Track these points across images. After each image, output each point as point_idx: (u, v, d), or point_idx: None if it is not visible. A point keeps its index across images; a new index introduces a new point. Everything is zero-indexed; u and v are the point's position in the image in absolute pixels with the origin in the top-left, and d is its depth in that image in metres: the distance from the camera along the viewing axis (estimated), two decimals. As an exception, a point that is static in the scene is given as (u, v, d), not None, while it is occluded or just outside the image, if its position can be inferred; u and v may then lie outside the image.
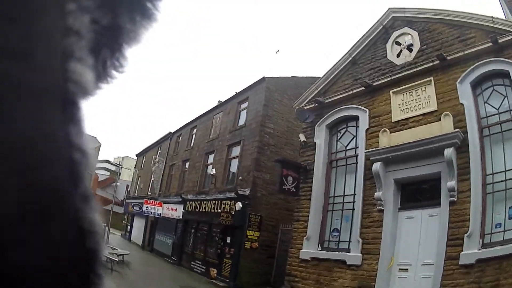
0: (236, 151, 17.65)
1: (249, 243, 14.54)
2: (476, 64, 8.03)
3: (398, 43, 10.07)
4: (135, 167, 39.33)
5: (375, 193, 9.04)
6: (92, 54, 0.45)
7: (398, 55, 9.96)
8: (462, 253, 7.05)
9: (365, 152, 9.55)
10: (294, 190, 11.69)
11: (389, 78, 9.64)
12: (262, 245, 14.87)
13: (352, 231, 9.59)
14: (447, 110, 8.22)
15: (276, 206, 15.78)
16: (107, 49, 0.52)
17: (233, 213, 14.73)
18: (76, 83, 0.41)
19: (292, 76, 18.31)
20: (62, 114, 0.38)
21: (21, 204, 0.32)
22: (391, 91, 9.56)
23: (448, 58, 8.44)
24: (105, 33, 0.49)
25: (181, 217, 20.87)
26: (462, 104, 8.06)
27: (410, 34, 9.75)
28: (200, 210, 18.26)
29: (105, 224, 26.06)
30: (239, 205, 14.32)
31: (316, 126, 11.61)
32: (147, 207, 24.22)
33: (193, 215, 19.13)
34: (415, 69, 9.11)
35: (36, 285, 0.33)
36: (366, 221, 9.15)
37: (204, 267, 16.99)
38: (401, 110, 9.28)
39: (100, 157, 76.28)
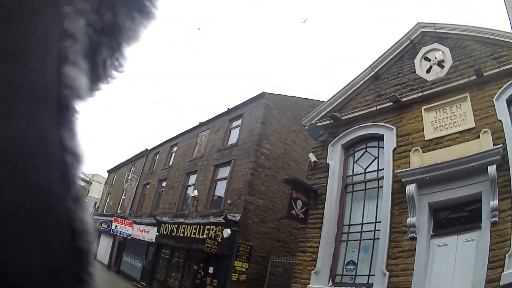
0: (224, 172, 15.68)
1: (237, 275, 12.45)
2: (511, 81, 7.60)
3: (428, 59, 9.34)
4: (105, 184, 36.50)
5: (408, 219, 7.85)
6: (89, 56, 0.45)
7: (428, 71, 9.21)
8: (503, 273, 6.29)
9: (397, 173, 8.30)
10: (303, 216, 9.91)
11: (421, 94, 8.80)
12: (250, 278, 12.80)
13: (373, 263, 8.28)
14: (485, 127, 7.55)
15: (267, 235, 13.86)
16: (107, 48, 0.51)
17: (219, 240, 12.55)
18: (70, 87, 0.40)
19: (292, 96, 16.85)
20: (56, 118, 0.38)
21: (13, 205, 0.32)
22: (422, 108, 8.72)
23: (485, 74, 7.89)
24: (105, 32, 0.48)
25: (153, 240, 18.42)
26: (500, 121, 7.44)
27: (440, 50, 9.08)
28: (178, 234, 15.96)
29: None
30: (227, 231, 12.26)
31: (329, 145, 10.29)
32: (116, 225, 21.97)
33: (169, 239, 16.77)
34: (449, 85, 8.40)
35: (29, 284, 0.33)
36: (393, 251, 7.91)
37: (180, 298, 14.54)
38: (434, 128, 8.43)
39: None
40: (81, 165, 0.41)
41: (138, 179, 26.02)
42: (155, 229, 18.57)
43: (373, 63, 10.23)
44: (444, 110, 8.38)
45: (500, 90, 7.67)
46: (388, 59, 10.06)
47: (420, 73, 9.32)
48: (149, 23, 0.53)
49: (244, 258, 12.72)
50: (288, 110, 16.09)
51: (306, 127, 11.11)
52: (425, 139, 8.41)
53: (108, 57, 0.52)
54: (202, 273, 13.66)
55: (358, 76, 10.44)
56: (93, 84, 0.50)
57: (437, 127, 8.37)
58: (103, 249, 28.16)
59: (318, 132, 10.45)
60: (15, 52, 0.35)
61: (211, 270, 13.20)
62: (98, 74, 0.51)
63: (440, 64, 8.95)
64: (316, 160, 10.40)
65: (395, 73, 9.85)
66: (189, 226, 15.19)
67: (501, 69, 7.76)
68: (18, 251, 0.32)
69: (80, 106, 0.43)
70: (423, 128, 8.57)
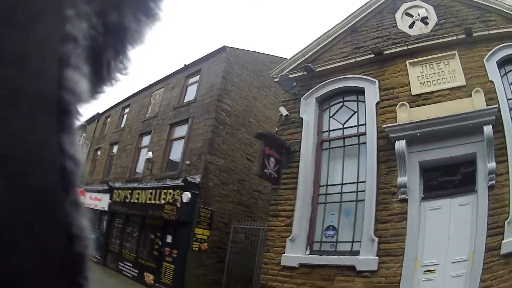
0: (181, 130, 13.81)
1: (198, 244, 10.90)
2: (502, 45, 7.35)
3: (410, 15, 8.91)
4: None
5: (398, 179, 7.08)
6: (93, 58, 0.44)
7: (410, 26, 8.76)
8: (503, 241, 5.92)
9: (384, 128, 7.44)
10: (276, 176, 8.54)
11: (405, 48, 8.23)
12: (212, 247, 11.36)
13: (357, 228, 7.47)
14: (476, 86, 7.16)
15: (228, 199, 12.40)
16: (112, 50, 0.50)
17: (178, 205, 10.88)
18: (71, 91, 0.40)
19: (254, 51, 15.22)
20: (56, 122, 0.38)
21: (11, 209, 0.32)
22: (407, 62, 8.14)
23: (474, 34, 7.60)
24: (110, 34, 0.48)
25: (106, 209, 16.42)
26: (492, 82, 7.13)
27: (424, 8, 8.70)
28: (131, 200, 14.09)
29: None
30: (187, 195, 10.62)
31: (302, 99, 9.31)
32: None
33: (122, 206, 14.86)
34: (436, 41, 7.97)
35: (26, 287, 0.33)
36: (382, 215, 7.10)
37: (136, 271, 12.93)
38: (421, 83, 7.87)
39: None
40: (80, 170, 0.40)
41: (89, 145, 23.50)
42: (108, 196, 16.51)
43: (349, 15, 9.53)
44: (431, 66, 7.88)
45: (490, 52, 7.36)
46: (366, 13, 9.41)
47: (402, 28, 8.79)
48: (154, 24, 0.53)
49: (205, 224, 11.18)
50: (249, 65, 14.54)
51: (275, 79, 10.03)
52: (412, 94, 7.81)
53: (113, 59, 0.50)
54: (160, 243, 12.00)
55: (333, 28, 9.64)
56: (97, 86, 0.49)
57: (424, 82, 7.83)
58: None
59: (291, 84, 9.40)
60: (15, 56, 0.34)
61: (169, 239, 11.57)
62: (102, 76, 0.50)
63: (424, 20, 8.55)
64: (288, 114, 9.27)
65: (375, 26, 9.22)
66: (143, 191, 13.36)
67: (490, 32, 7.51)
68: (15, 255, 0.32)
69: (81, 111, 0.42)
70: (409, 83, 7.96)
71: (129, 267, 13.51)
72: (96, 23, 0.43)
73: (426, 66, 7.97)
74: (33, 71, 0.35)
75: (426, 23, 8.55)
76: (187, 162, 11.98)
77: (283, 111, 9.32)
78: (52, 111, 0.37)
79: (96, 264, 15.32)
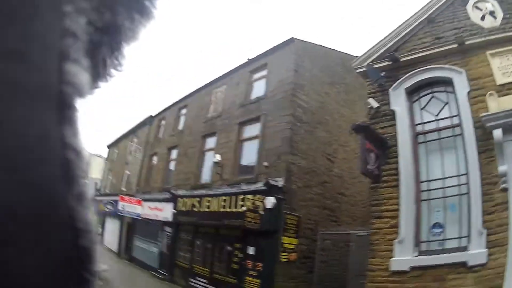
0: (253, 130, 13.63)
1: (286, 254, 10.54)
2: None
3: (479, 8, 9.04)
4: (106, 160, 34.86)
5: (499, 168, 7.22)
6: (89, 54, 0.47)
7: (482, 19, 8.90)
8: None
9: (482, 118, 7.62)
10: (377, 173, 8.38)
11: (484, 38, 8.40)
12: (300, 257, 11.07)
13: (462, 222, 7.59)
14: None
15: (312, 203, 12.04)
16: (107, 47, 0.54)
17: (261, 212, 10.59)
18: (71, 84, 0.42)
19: (321, 45, 14.87)
20: (57, 115, 0.40)
21: (14, 203, 0.33)
22: (487, 52, 8.30)
23: None
24: (105, 31, 0.51)
25: (170, 219, 16.59)
26: None
27: (489, 2, 8.87)
28: (200, 209, 14.09)
29: None
30: (271, 201, 10.33)
31: (390, 90, 9.37)
32: (123, 205, 20.45)
33: (189, 216, 14.94)
34: (509, 34, 8.10)
35: (30, 284, 0.34)
36: (488, 206, 7.26)
37: (211, 287, 12.79)
38: (502, 73, 8.08)
39: None
40: (84, 162, 0.42)
41: (143, 150, 24.25)
42: (171, 205, 16.76)
43: (424, 6, 9.73)
44: (507, 58, 8.04)
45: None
46: (440, 4, 9.58)
47: (475, 20, 8.98)
48: (149, 22, 0.56)
49: (292, 232, 10.91)
50: (318, 60, 14.22)
51: (358, 70, 10.22)
52: (497, 84, 7.94)
53: (108, 55, 0.54)
54: (242, 255, 11.81)
55: (410, 18, 9.86)
56: (93, 82, 0.52)
57: (505, 72, 8.02)
58: (110, 233, 27.02)
59: (378, 74, 9.42)
60: (15, 50, 0.36)
61: (251, 251, 11.34)
62: (98, 72, 0.54)
63: (492, 14, 8.71)
64: (379, 105, 9.28)
65: (450, 17, 9.40)
66: (215, 199, 13.28)
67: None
68: (18, 250, 0.33)
69: (81, 103, 0.44)
70: (492, 73, 8.11)
71: (203, 283, 13.51)
72: (94, 19, 0.46)
73: (503, 57, 8.15)
74: (34, 65, 0.37)
75: (494, 17, 8.75)
76: (265, 163, 11.70)
77: (373, 103, 9.28)
78: (52, 104, 0.38)
79: (162, 280, 15.61)
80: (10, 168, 0.33)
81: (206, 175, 15.68)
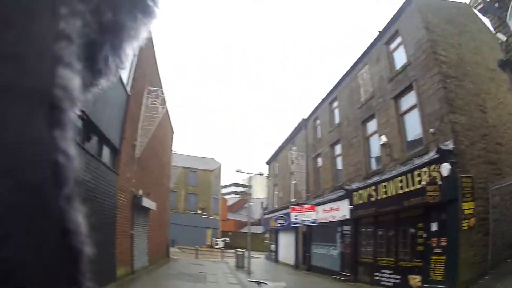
0: (409, 100, 15.10)
1: (466, 221, 11.53)
2: None
3: None
4: (268, 176, 38.68)
5: None
6: (89, 53, 0.55)
7: None
8: None
9: None
10: None
11: None
12: (477, 220, 11.86)
13: None
14: None
15: (479, 160, 12.82)
16: (109, 45, 0.61)
17: (439, 183, 11.73)
18: (63, 88, 0.48)
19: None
20: (49, 118, 0.46)
21: (5, 204, 0.38)
22: None
23: None
24: (106, 30, 0.58)
25: (347, 216, 18.58)
26: None
27: None
28: (378, 197, 15.67)
29: (244, 249, 26.56)
30: (446, 167, 11.44)
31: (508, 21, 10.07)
32: (296, 216, 23.21)
33: (368, 207, 16.78)
34: None
35: (21, 281, 0.39)
36: None
37: (397, 277, 14.44)
38: None
39: (227, 182, 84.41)
40: (74, 165, 0.48)
41: (304, 155, 26.91)
42: (346, 202, 18.79)
43: None
44: None
45: None
46: None
47: None
48: (151, 22, 0.64)
49: (469, 196, 11.76)
50: (441, 12, 15.43)
51: (477, 8, 11.28)
52: None
53: (110, 54, 0.61)
54: (424, 234, 13.11)
55: None
56: (94, 79, 0.60)
57: None
58: (285, 248, 30.25)
59: (493, 6, 10.26)
60: (9, 53, 0.41)
61: (434, 227, 12.59)
62: (99, 70, 0.61)
63: None
64: (506, 38, 10.07)
65: None
66: (391, 182, 14.78)
67: None
68: (9, 250, 0.37)
69: (74, 107, 0.50)
70: None
71: (388, 275, 15.06)
72: (92, 21, 0.54)
73: None
74: (27, 68, 0.43)
75: None
76: (431, 130, 12.80)
77: (502, 37, 9.96)
78: (45, 107, 0.45)
79: (345, 282, 17.64)
80: (2, 170, 0.38)
81: (375, 161, 17.36)
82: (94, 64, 0.60)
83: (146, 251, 19.50)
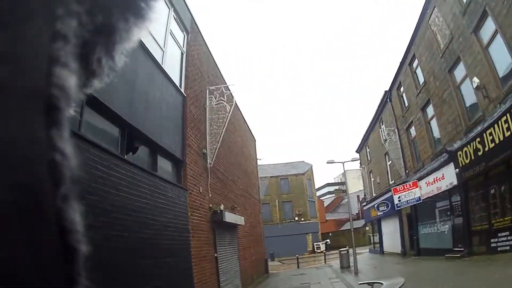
0: (488, 28, 13.57)
1: None
2: None
3: None
4: (360, 166, 38.15)
5: None
6: (83, 54, 0.55)
7: None
8: None
9: None
10: None
11: None
12: None
13: None
14: None
15: None
16: (102, 47, 0.65)
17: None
18: (60, 88, 0.51)
19: None
20: (45, 118, 0.48)
21: (2, 203, 0.42)
22: None
23: None
24: (99, 32, 0.61)
25: (455, 182, 17.22)
26: None
27: None
28: (485, 149, 14.09)
29: (346, 247, 26.19)
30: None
31: None
32: (399, 197, 22.82)
33: (475, 165, 15.23)
34: None
35: (19, 280, 0.43)
36: None
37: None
38: None
39: (319, 183, 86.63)
40: (71, 164, 0.48)
41: (395, 130, 26.00)
42: (451, 166, 17.43)
43: None
44: None
45: None
46: None
47: None
48: (143, 24, 0.66)
49: None
50: None
51: None
52: None
53: (103, 55, 0.64)
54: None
55: None
56: (87, 80, 0.62)
57: None
58: (389, 237, 29.57)
59: None
60: (5, 53, 0.42)
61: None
62: (92, 71, 0.63)
63: None
64: None
65: None
66: (495, 126, 13.14)
67: None
68: (7, 247, 0.40)
69: (71, 107, 0.51)
70: None
71: (505, 238, 13.55)
72: (86, 21, 0.54)
73: None
74: (23, 68, 0.43)
75: None
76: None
77: None
78: (41, 107, 0.45)
79: (459, 258, 16.13)
80: (1, 169, 0.40)
81: (473, 109, 15.89)
82: (88, 65, 0.58)
83: (238, 273, 18.69)
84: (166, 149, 10.97)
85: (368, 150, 35.34)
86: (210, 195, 14.71)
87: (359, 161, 36.73)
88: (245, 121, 26.19)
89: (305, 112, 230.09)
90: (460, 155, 16.38)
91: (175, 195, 10.99)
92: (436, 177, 19.20)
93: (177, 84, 12.68)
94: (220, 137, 15.40)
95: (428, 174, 20.32)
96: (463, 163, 16.15)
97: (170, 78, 11.62)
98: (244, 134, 25.45)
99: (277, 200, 53.44)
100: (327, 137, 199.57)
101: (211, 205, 14.67)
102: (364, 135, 35.73)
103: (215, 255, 14.60)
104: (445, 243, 18.87)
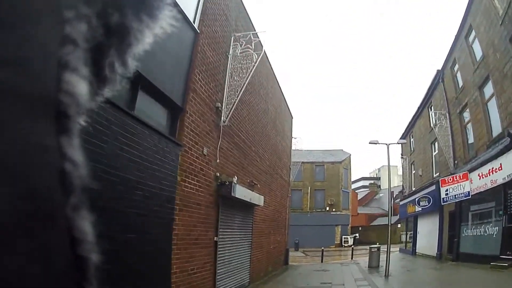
0: None
1: None
2: None
3: None
4: (401, 156, 36.35)
5: None
6: (95, 58, 0.54)
7: None
8: None
9: None
10: None
11: None
12: None
13: None
14: None
15: None
16: (115, 49, 0.61)
17: None
18: (70, 94, 0.49)
19: None
20: (55, 125, 0.46)
21: (12, 212, 0.40)
22: None
23: None
24: (112, 33, 0.58)
25: None
26: None
27: None
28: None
29: (376, 244, 25.37)
30: None
31: None
32: (446, 190, 20.86)
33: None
34: None
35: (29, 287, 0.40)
36: None
37: None
38: None
39: (355, 177, 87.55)
40: (81, 172, 0.48)
41: (447, 114, 23.72)
42: (511, 155, 14.79)
43: None
44: None
45: None
46: None
47: None
48: (156, 24, 0.64)
49: None
50: None
51: None
52: None
53: (116, 58, 0.60)
54: None
55: None
56: (100, 85, 0.59)
57: None
58: (424, 237, 27.61)
59: None
60: (14, 58, 0.41)
61: None
62: (105, 75, 0.59)
63: None
64: None
65: None
66: None
67: None
68: (18, 258, 0.39)
69: (81, 113, 0.51)
70: None
71: None
72: (97, 24, 0.52)
73: None
74: (32, 73, 0.42)
75: None
76: None
77: None
78: (51, 113, 0.44)
79: (507, 269, 13.82)
80: (8, 177, 0.38)
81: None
82: (100, 70, 0.57)
83: (247, 264, 16.10)
84: (156, 85, 8.51)
85: (412, 139, 33.09)
86: (218, 160, 12.12)
87: (401, 148, 34.88)
88: (280, 89, 23.75)
89: (346, 104, 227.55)
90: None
91: (161, 150, 8.59)
92: (492, 168, 16.54)
93: (189, 16, 10.33)
94: (241, 90, 12.79)
95: (482, 164, 17.70)
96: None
97: (177, 3, 8.59)
98: (278, 105, 23.19)
99: (309, 188, 51.75)
100: (368, 128, 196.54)
101: (218, 174, 12.10)
102: (410, 122, 33.31)
103: (215, 239, 12.05)
104: (491, 249, 16.26)
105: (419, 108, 30.28)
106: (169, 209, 9.05)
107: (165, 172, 8.86)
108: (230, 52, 13.36)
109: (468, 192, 18.90)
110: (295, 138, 29.78)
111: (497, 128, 16.97)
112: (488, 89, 17.98)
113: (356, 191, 72.13)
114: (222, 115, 12.40)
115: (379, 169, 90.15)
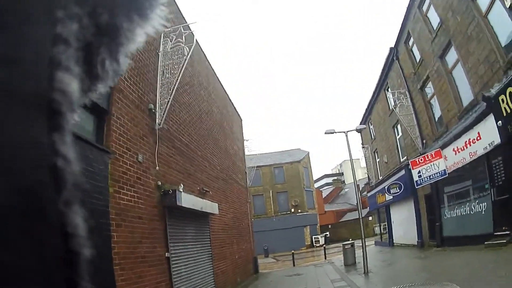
0: None
1: None
2: None
3: None
4: (362, 145, 35.58)
5: None
6: (86, 57, 0.57)
7: None
8: None
9: None
10: None
11: None
12: None
13: None
14: None
15: None
16: (106, 49, 0.62)
17: None
18: (62, 92, 0.50)
19: None
20: (47, 122, 0.48)
21: (4, 208, 0.41)
22: None
23: None
24: (103, 33, 0.60)
25: (497, 141, 13.33)
26: None
27: None
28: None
29: (349, 240, 24.82)
30: None
31: None
32: (419, 171, 19.83)
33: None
34: None
35: (21, 284, 0.42)
36: None
37: None
38: None
39: (317, 175, 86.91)
40: (74, 169, 0.50)
41: (406, 92, 22.82)
42: (490, 119, 13.60)
43: None
44: None
45: None
46: None
47: None
48: (148, 24, 0.64)
49: None
50: None
51: None
52: None
53: (107, 57, 0.62)
54: None
55: None
56: (91, 84, 0.61)
57: None
58: (400, 226, 26.79)
59: None
60: (6, 57, 0.43)
61: None
62: (96, 74, 0.61)
63: None
64: None
65: None
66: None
67: None
68: (9, 252, 0.40)
69: (73, 111, 0.53)
70: None
71: None
72: (88, 23, 0.53)
73: None
74: (25, 72, 0.44)
75: None
76: None
77: None
78: (43, 112, 0.46)
79: (507, 245, 12.52)
80: (1, 173, 0.39)
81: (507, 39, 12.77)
82: (91, 68, 0.59)
83: (211, 277, 15.11)
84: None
85: (371, 126, 32.28)
86: (158, 168, 10.98)
87: (360, 137, 34.48)
88: (224, 90, 22.94)
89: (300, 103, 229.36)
90: (503, 100, 12.47)
91: (85, 158, 7.27)
92: (469, 139, 15.42)
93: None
94: (174, 87, 11.61)
95: (455, 138, 16.60)
96: (508, 111, 12.28)
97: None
98: (223, 107, 22.25)
99: (271, 191, 51.09)
100: (324, 124, 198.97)
101: (159, 183, 10.94)
102: (366, 109, 32.46)
103: (166, 254, 10.89)
104: (482, 227, 14.94)
105: (374, 91, 29.43)
106: (104, 225, 7.80)
107: (94, 184, 7.51)
108: (161, 49, 12.24)
109: (444, 170, 17.83)
110: (247, 141, 28.98)
111: (467, 95, 15.86)
112: (451, 56, 16.95)
113: (320, 189, 72.52)
114: (157, 117, 11.23)
115: (341, 164, 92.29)
